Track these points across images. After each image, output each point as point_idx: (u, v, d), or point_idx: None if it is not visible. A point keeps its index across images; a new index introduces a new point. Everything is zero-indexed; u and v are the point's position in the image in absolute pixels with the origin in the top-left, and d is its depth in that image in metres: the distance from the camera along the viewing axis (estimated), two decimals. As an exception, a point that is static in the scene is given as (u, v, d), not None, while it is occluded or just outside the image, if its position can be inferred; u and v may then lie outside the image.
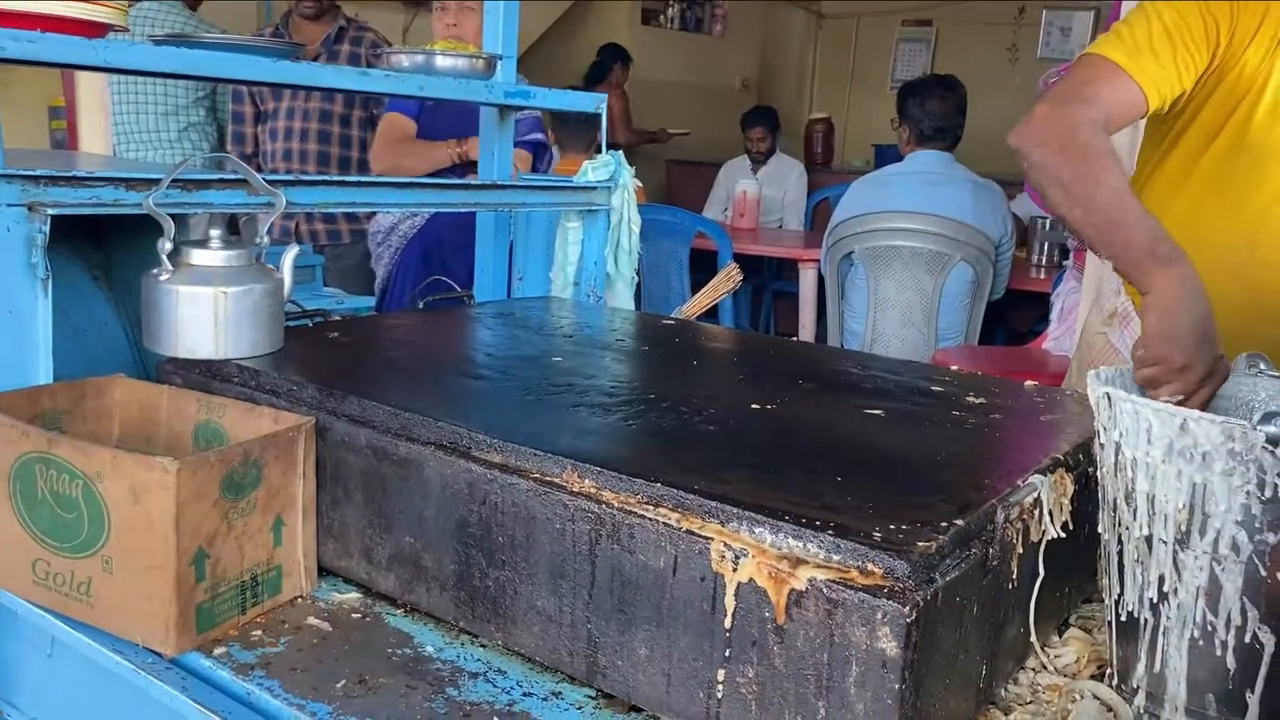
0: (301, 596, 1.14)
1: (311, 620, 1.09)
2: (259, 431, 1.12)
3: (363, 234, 3.36)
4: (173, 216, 1.25)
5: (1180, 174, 1.51)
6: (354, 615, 1.11)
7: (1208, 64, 1.42)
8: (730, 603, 0.82)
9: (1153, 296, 1.21)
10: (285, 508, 1.11)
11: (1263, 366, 1.12)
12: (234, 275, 1.27)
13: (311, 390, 1.16)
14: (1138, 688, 0.96)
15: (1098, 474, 1.00)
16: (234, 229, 1.38)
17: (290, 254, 1.35)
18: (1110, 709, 0.96)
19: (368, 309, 2.41)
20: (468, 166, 2.99)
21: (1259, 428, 0.83)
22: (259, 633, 1.06)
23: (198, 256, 1.27)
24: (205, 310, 1.25)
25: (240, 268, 1.28)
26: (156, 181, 1.26)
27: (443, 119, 3.05)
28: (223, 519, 1.04)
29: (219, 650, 1.03)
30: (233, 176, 1.35)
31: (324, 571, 1.17)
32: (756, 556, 0.81)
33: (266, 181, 1.36)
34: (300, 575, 1.14)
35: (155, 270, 1.26)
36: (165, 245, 1.24)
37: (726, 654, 0.84)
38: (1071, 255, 3.14)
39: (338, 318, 1.59)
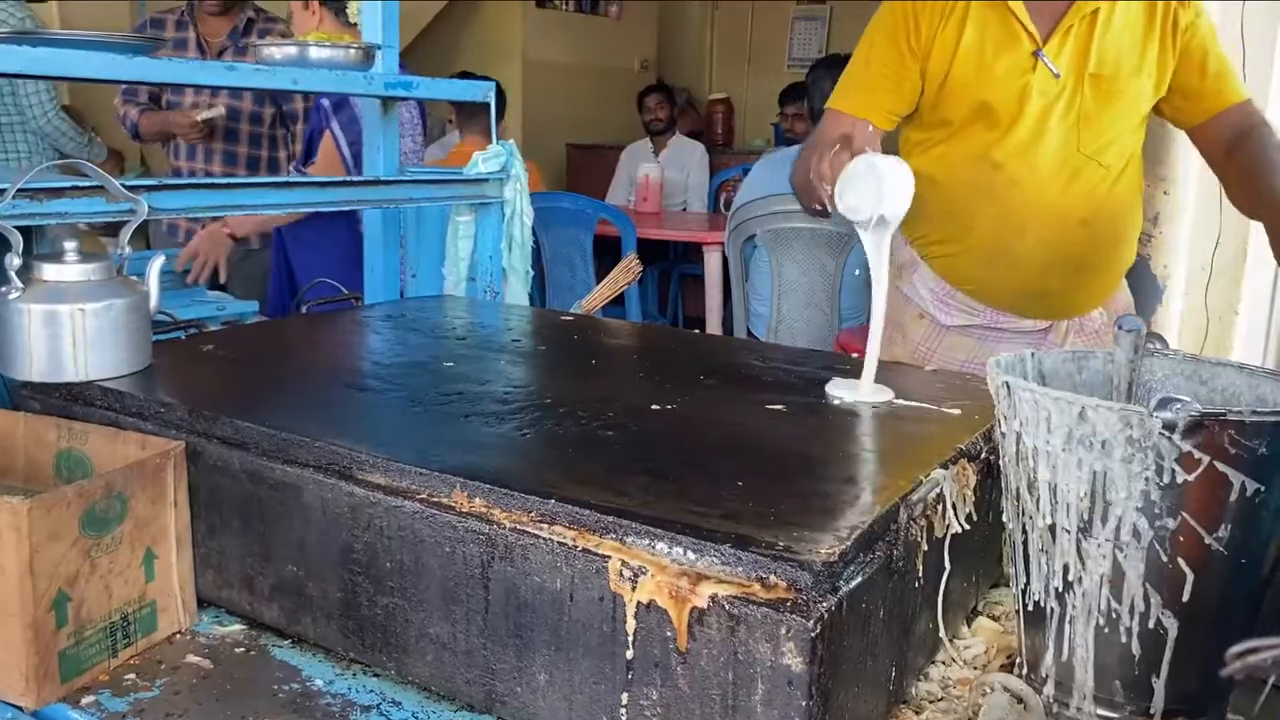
0: (180, 632, 1.07)
1: (191, 658, 1.02)
2: (125, 458, 1.05)
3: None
4: (23, 229, 1.16)
5: (935, 127, 1.78)
6: (237, 649, 1.04)
7: (920, 64, 1.71)
8: (631, 624, 0.79)
9: None
10: (156, 539, 1.03)
11: (1158, 345, 1.12)
12: (92, 290, 1.18)
13: (181, 411, 1.09)
14: (1046, 677, 0.95)
15: (1000, 462, 0.99)
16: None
17: (156, 264, 1.27)
18: (1021, 700, 0.95)
19: (253, 314, 2.30)
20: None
21: (1155, 414, 0.82)
22: (132, 676, 0.99)
23: (50, 271, 1.17)
24: (61, 330, 1.16)
25: (99, 282, 1.19)
26: (1, 192, 1.16)
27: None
28: (85, 557, 0.96)
29: (87, 699, 0.95)
30: (87, 184, 1.25)
31: (205, 603, 1.09)
32: (656, 574, 0.78)
33: (126, 187, 1.27)
34: (177, 610, 1.06)
35: (4, 288, 1.16)
36: (14, 261, 1.15)
37: (629, 676, 0.80)
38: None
39: (215, 328, 1.50)
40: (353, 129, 2.77)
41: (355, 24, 2.37)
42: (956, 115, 1.74)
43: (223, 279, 2.83)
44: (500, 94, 4.59)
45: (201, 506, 1.06)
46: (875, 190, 1.20)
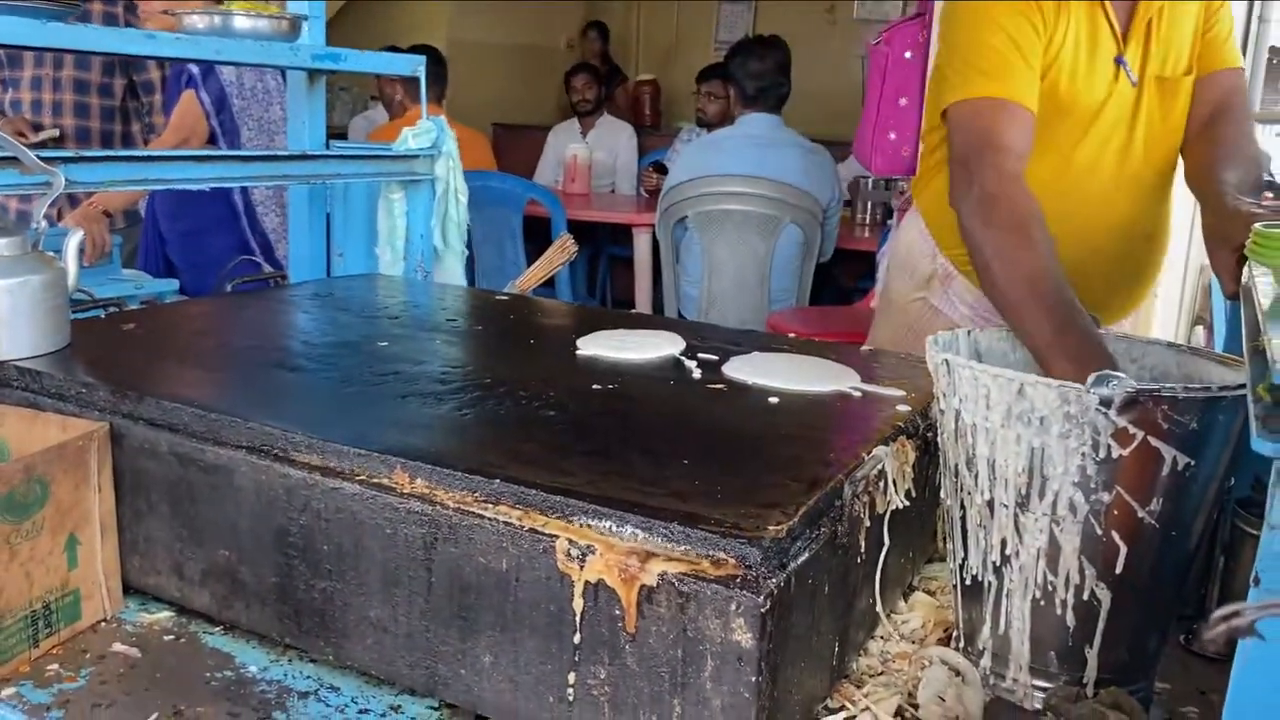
0: (105, 620, 1.03)
1: (117, 647, 0.98)
2: (45, 441, 1.00)
3: None
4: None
5: None
6: (166, 637, 1.01)
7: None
8: (579, 604, 0.78)
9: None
10: (79, 525, 0.99)
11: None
12: (6, 266, 1.13)
13: (104, 392, 1.05)
14: (984, 649, 0.97)
15: (938, 439, 1.00)
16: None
17: (74, 240, 1.22)
18: (958, 672, 0.97)
19: (172, 293, 2.23)
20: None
21: (1092, 390, 0.84)
22: (55, 666, 0.95)
23: (-40, 246, 1.12)
24: (-27, 307, 1.10)
25: (13, 258, 1.14)
26: (-95, 161, 1.10)
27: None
28: (3, 545, 0.92)
29: (7, 692, 0.91)
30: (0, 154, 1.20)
31: (131, 590, 1.06)
32: (604, 553, 0.77)
33: (41, 158, 1.21)
34: (102, 597, 1.03)
35: (-90, 263, 1.11)
36: (-80, 235, 1.09)
37: (576, 657, 0.79)
38: (895, 215, 3.22)
39: (135, 307, 1.45)
40: (216, 94, 2.70)
41: None
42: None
43: (107, 249, 2.72)
44: (441, 61, 4.51)
45: (127, 490, 1.02)
46: None
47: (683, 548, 0.76)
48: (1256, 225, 0.86)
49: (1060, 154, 1.56)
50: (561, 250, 1.88)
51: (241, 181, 1.50)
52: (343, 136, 5.28)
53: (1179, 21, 1.56)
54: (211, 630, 1.01)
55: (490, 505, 0.83)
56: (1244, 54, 3.19)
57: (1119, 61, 1.54)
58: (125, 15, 3.01)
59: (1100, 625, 0.90)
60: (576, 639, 0.79)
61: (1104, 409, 0.84)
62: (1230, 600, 1.07)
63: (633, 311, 2.72)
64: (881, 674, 0.98)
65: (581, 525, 0.79)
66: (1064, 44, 1.50)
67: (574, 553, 0.78)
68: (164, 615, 1.04)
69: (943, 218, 1.68)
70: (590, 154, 5.30)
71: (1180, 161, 1.64)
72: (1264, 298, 0.77)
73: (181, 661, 0.96)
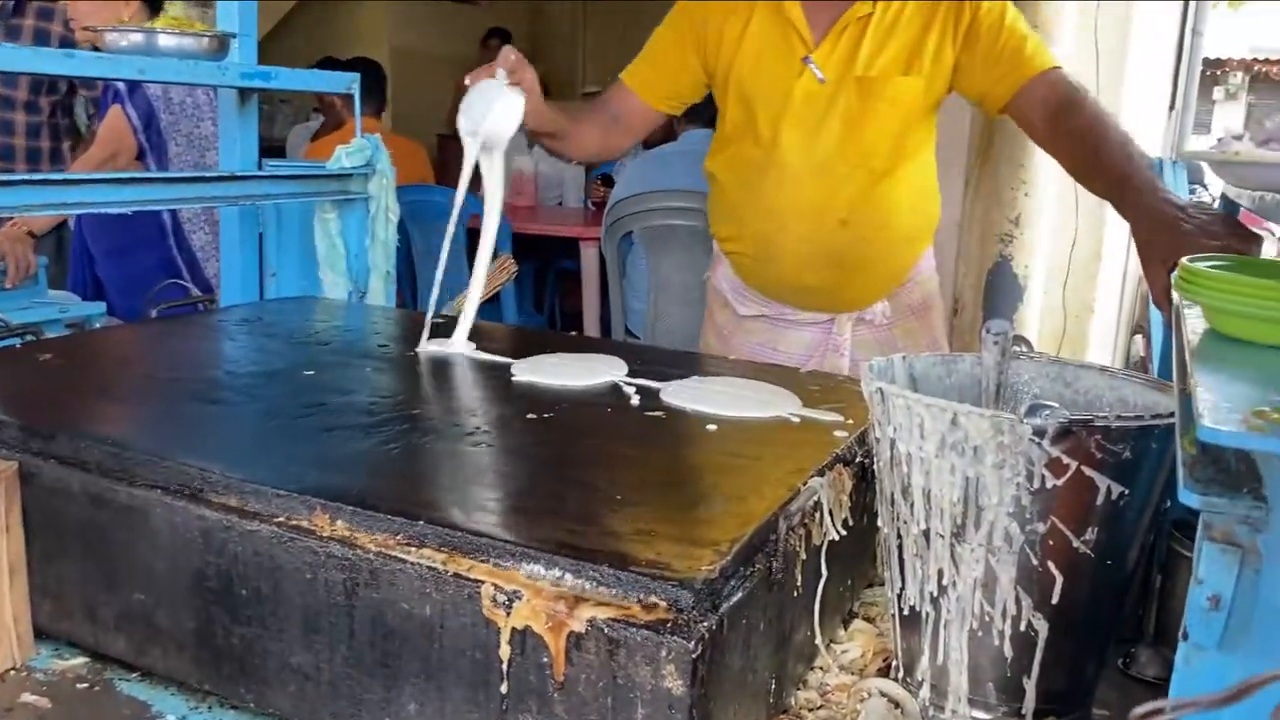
0: (14, 668, 0.98)
1: (26, 697, 0.94)
2: (-51, 482, 0.96)
3: None
4: None
5: (723, 127, 1.87)
6: (79, 685, 0.96)
7: (702, 59, 1.79)
8: (505, 651, 0.75)
9: None
10: (-15, 570, 0.95)
11: (1024, 348, 1.14)
12: (-92, 297, 1.08)
13: (13, 429, 1.00)
14: (922, 680, 0.95)
15: (874, 466, 0.99)
16: None
17: (-16, 267, 1.17)
18: (898, 704, 0.95)
19: (100, 316, 2.16)
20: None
21: (1025, 420, 0.84)
22: (-41, 721, 0.91)
23: None
24: (-127, 340, 1.05)
25: (-83, 288, 1.09)
26: None
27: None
28: (-100, 594, 0.87)
29: (-96, 750, 0.87)
30: (-97, 179, 1.15)
31: (43, 636, 1.01)
32: (531, 598, 0.74)
33: (-52, 183, 1.16)
34: (10, 644, 0.98)
35: None
36: None
37: (504, 706, 0.76)
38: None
39: (57, 333, 1.40)
40: (143, 109, 2.63)
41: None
42: (733, 115, 1.80)
43: (32, 271, 2.63)
44: (381, 74, 4.45)
45: (37, 532, 0.98)
46: (484, 112, 1.32)
47: (613, 591, 0.74)
48: (1183, 260, 0.86)
49: (764, 136, 1.77)
50: (501, 270, 1.85)
51: (168, 204, 1.46)
52: (283, 147, 5.19)
53: (900, 26, 1.70)
54: (128, 677, 0.97)
55: (414, 548, 0.80)
56: (1177, 65, 3.26)
57: (806, 60, 1.71)
58: (64, 31, 2.92)
59: (1038, 655, 0.89)
60: (504, 688, 0.76)
61: (1037, 439, 0.83)
62: (1167, 622, 1.07)
63: (571, 334, 2.70)
64: (820, 707, 0.97)
65: (508, 569, 0.77)
66: (744, 38, 1.74)
67: (500, 599, 0.75)
68: (78, 662, 1.00)
69: (713, 200, 1.94)
70: (536, 166, 5.26)
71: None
72: (1192, 334, 0.76)
73: (95, 711, 0.92)
